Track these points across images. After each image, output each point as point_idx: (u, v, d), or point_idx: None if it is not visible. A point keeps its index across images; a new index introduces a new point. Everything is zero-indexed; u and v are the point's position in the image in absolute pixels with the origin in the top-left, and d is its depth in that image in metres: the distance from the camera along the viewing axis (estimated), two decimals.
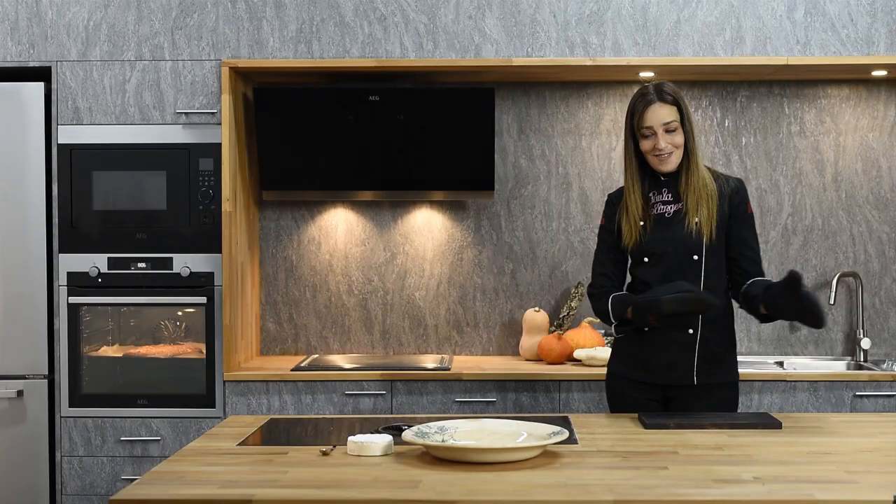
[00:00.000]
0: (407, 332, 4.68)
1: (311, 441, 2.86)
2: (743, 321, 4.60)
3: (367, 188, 4.44)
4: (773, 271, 4.61)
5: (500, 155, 4.62)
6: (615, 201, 3.40)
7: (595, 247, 3.46)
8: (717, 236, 3.27)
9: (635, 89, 4.59)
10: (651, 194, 3.32)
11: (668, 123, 3.22)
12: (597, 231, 3.71)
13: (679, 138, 3.25)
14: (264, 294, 4.69)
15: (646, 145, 3.26)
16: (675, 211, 3.29)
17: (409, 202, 4.67)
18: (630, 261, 3.38)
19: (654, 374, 3.32)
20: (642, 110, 3.24)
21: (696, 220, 3.25)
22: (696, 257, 3.26)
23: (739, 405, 4.04)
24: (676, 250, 3.27)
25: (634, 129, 3.27)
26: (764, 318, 3.25)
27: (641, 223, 3.30)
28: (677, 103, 3.25)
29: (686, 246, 3.26)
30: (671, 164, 3.26)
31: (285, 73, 4.40)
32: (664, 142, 3.23)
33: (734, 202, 3.29)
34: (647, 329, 3.30)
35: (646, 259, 3.32)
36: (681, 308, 3.08)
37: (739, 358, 4.53)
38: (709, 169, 3.34)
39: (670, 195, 3.30)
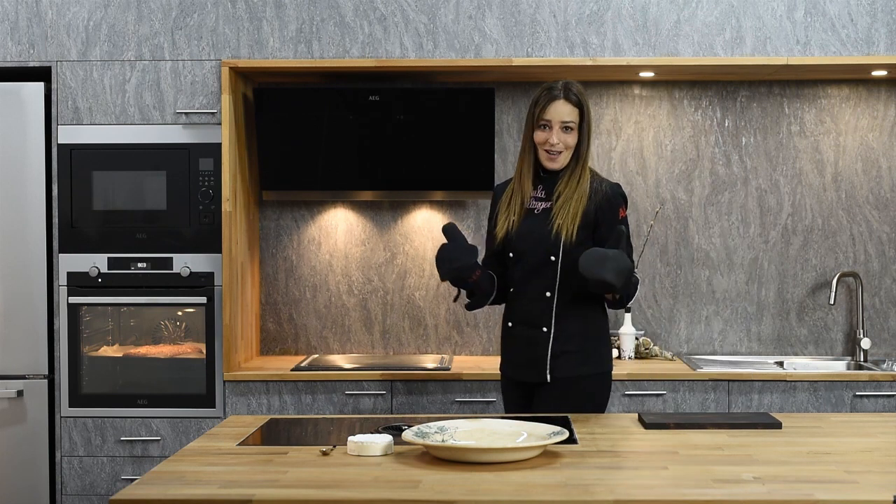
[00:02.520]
0: (407, 332, 4.68)
1: (311, 441, 2.86)
2: (743, 322, 4.60)
3: (367, 188, 4.44)
4: (773, 271, 4.62)
5: (500, 155, 4.61)
6: (499, 193, 3.45)
7: None
8: (578, 239, 3.26)
9: (635, 89, 4.63)
10: None
11: (566, 122, 3.29)
12: None
13: (572, 139, 3.31)
14: (264, 294, 4.69)
15: (539, 137, 3.31)
16: (543, 209, 3.33)
17: (409, 202, 4.66)
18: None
19: (515, 371, 3.39)
20: (545, 103, 3.30)
21: (559, 221, 3.27)
22: (553, 258, 3.28)
23: (740, 405, 4.05)
24: (536, 249, 3.31)
25: (534, 120, 3.32)
26: (612, 304, 3.30)
27: (514, 217, 3.35)
28: (581, 106, 3.31)
29: (544, 245, 3.29)
30: (559, 162, 3.32)
31: (285, 73, 4.40)
32: (556, 138, 3.28)
33: (604, 207, 3.29)
34: (510, 324, 3.38)
35: (511, 254, 3.37)
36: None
37: (739, 358, 4.55)
38: (592, 172, 3.36)
39: (544, 192, 3.34)
